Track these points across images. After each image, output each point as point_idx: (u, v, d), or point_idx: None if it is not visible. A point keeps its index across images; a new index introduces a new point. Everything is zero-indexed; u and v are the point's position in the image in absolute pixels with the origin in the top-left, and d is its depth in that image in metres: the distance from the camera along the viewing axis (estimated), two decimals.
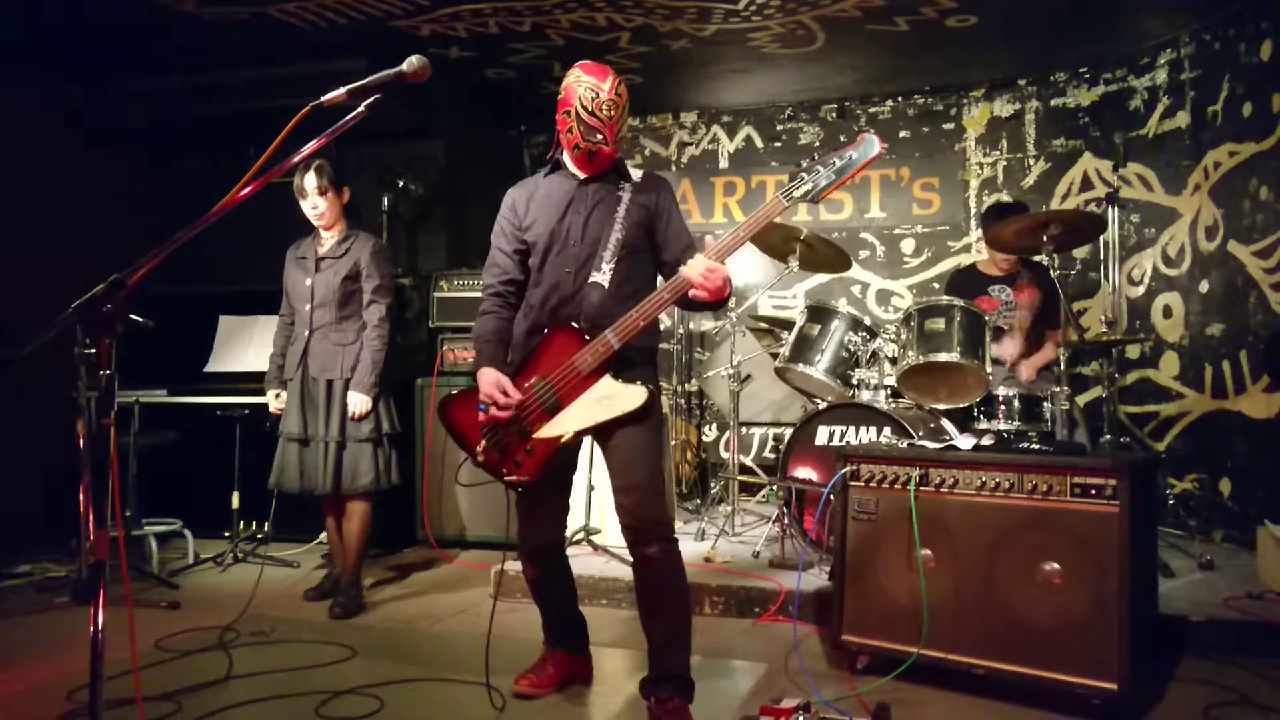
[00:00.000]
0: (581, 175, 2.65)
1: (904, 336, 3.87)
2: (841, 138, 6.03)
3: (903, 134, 5.92)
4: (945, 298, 3.94)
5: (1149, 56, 5.02)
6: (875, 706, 2.51)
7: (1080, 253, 5.39)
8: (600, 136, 2.52)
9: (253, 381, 4.57)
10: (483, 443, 2.56)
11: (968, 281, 4.56)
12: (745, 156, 6.24)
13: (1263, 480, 4.24)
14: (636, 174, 2.70)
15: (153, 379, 4.81)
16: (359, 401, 3.73)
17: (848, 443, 3.86)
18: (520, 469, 2.53)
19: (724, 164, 6.28)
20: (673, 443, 5.08)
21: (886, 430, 3.75)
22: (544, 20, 4.68)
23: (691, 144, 6.36)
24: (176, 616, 3.69)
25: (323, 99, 1.82)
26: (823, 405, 4.09)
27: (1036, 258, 4.24)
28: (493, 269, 2.72)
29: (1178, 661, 3.04)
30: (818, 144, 6.08)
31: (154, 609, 3.79)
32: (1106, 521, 2.55)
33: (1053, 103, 5.53)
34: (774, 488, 4.83)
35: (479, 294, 2.79)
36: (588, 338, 2.49)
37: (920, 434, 3.56)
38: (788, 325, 4.48)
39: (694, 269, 2.37)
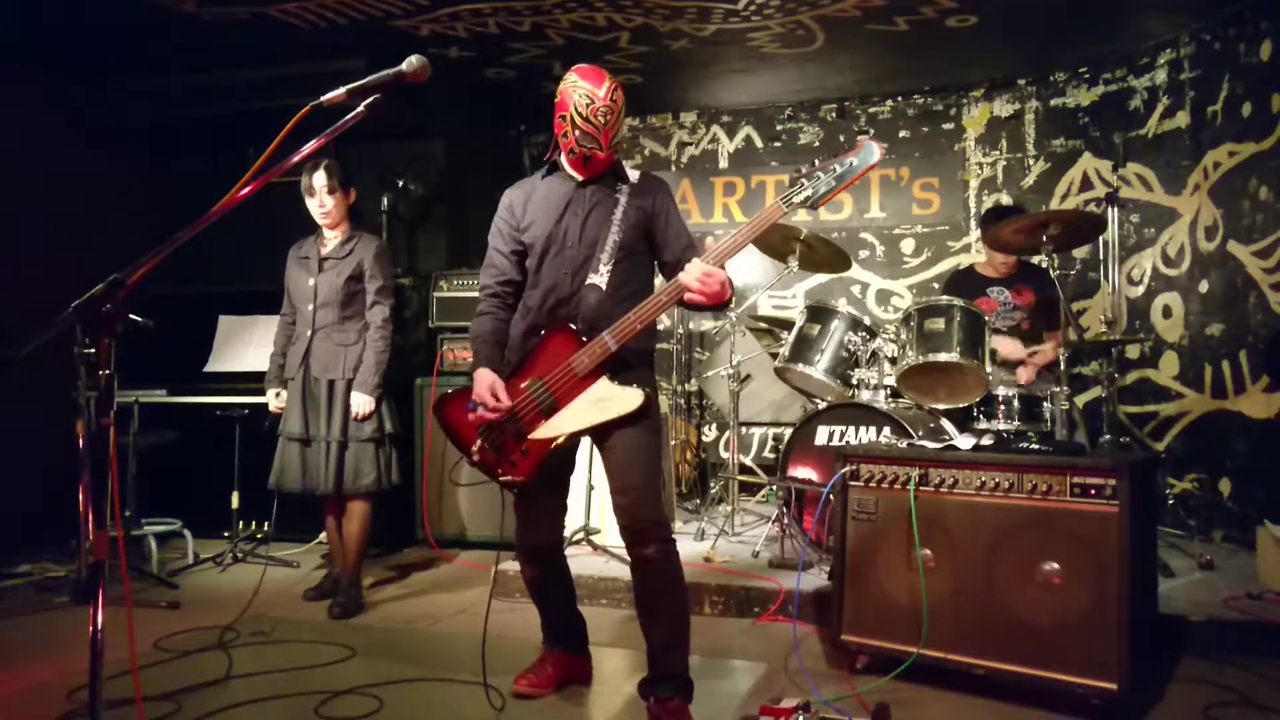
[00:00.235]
0: (579, 177, 2.65)
1: (904, 336, 3.87)
2: (841, 138, 6.04)
3: (902, 134, 5.92)
4: (945, 297, 3.93)
5: (1149, 56, 5.02)
6: (875, 706, 2.51)
7: (1080, 253, 5.39)
8: (595, 142, 2.52)
9: (252, 381, 4.57)
10: (478, 442, 2.56)
11: (966, 283, 4.55)
12: (745, 156, 6.24)
13: (1262, 480, 4.24)
14: (634, 175, 2.70)
15: (152, 379, 4.81)
16: (362, 402, 3.73)
17: (847, 443, 3.86)
18: (515, 469, 2.53)
19: (724, 164, 6.28)
20: (672, 443, 5.08)
21: (886, 430, 3.75)
22: (544, 20, 4.68)
23: (691, 144, 6.36)
24: (176, 616, 3.69)
25: (322, 99, 1.82)
26: (822, 405, 4.09)
27: (1036, 258, 4.24)
28: (490, 269, 2.72)
29: (1177, 661, 3.04)
30: (817, 144, 6.08)
31: (153, 609, 3.79)
32: (1106, 521, 2.55)
33: (1052, 103, 5.53)
34: (774, 488, 4.83)
35: (478, 294, 2.79)
36: (585, 339, 2.49)
37: (920, 434, 3.56)
38: (787, 325, 4.48)
39: (690, 274, 2.38)
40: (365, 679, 2.89)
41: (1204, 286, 4.67)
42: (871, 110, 6.00)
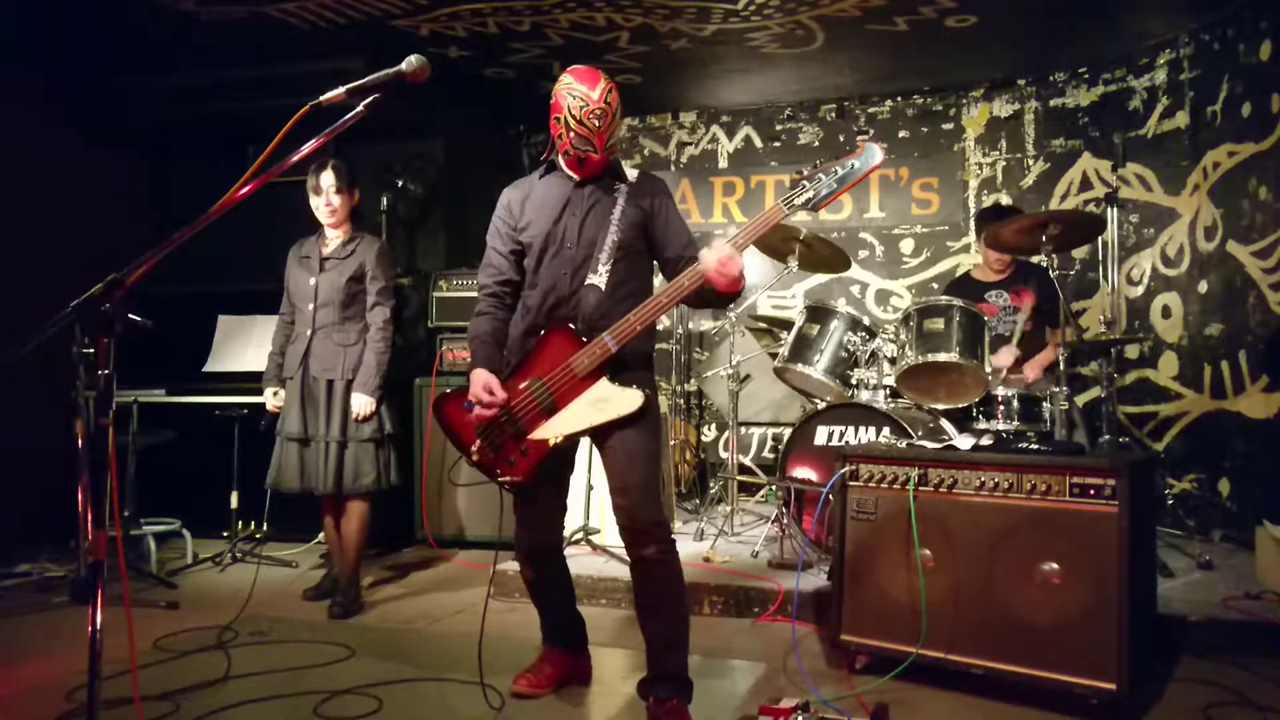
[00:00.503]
0: (576, 177, 2.65)
1: (903, 336, 3.87)
2: (840, 138, 6.04)
3: (902, 134, 5.92)
4: (945, 297, 3.93)
5: (1148, 56, 5.03)
6: (874, 706, 2.51)
7: (1079, 253, 5.39)
8: (590, 145, 2.52)
9: (252, 381, 4.55)
10: (477, 442, 2.56)
11: (963, 290, 4.50)
12: (744, 156, 6.24)
13: (1261, 480, 4.24)
14: (633, 174, 2.69)
15: (151, 378, 4.80)
16: (363, 403, 3.73)
17: (847, 443, 3.86)
18: (514, 469, 2.53)
19: (723, 164, 6.28)
20: (672, 443, 5.08)
21: (885, 430, 3.75)
22: (543, 20, 4.68)
23: (691, 144, 6.36)
24: (175, 616, 3.69)
25: (322, 98, 1.82)
26: (822, 405, 4.09)
27: (1035, 258, 4.24)
28: (488, 269, 2.72)
29: (1176, 661, 3.04)
30: (817, 144, 6.08)
31: (152, 609, 3.78)
32: (1105, 521, 2.55)
33: (1052, 103, 5.53)
34: (773, 488, 4.83)
35: (476, 294, 2.78)
36: (585, 340, 2.49)
37: (919, 434, 3.56)
38: (787, 325, 4.48)
39: (710, 258, 2.35)
40: (364, 679, 2.88)
41: (1203, 287, 4.67)
42: (871, 110, 6.00)
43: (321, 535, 4.16)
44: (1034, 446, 2.87)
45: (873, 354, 4.08)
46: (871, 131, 5.93)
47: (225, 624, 3.43)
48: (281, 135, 1.74)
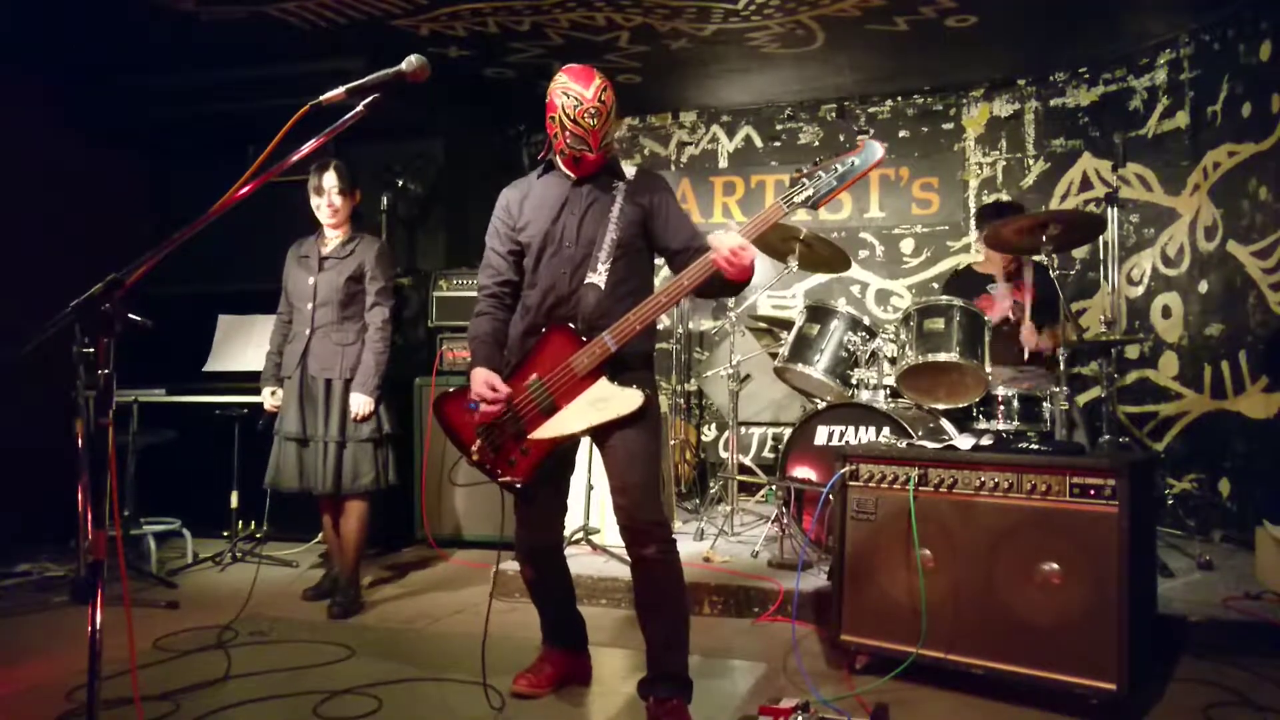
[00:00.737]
0: (574, 176, 2.64)
1: (903, 336, 3.87)
2: (841, 138, 6.04)
3: (902, 134, 5.92)
4: (945, 297, 3.93)
5: (1148, 57, 5.02)
6: (874, 706, 2.51)
7: (1080, 253, 5.38)
8: (585, 144, 2.52)
9: (252, 381, 4.54)
10: (478, 442, 2.56)
11: (965, 283, 4.54)
12: (744, 156, 6.24)
13: (1261, 480, 4.24)
14: (631, 171, 2.69)
15: (151, 378, 4.80)
16: (362, 403, 3.73)
17: (847, 442, 3.86)
18: (514, 469, 2.53)
19: (723, 164, 6.28)
20: (672, 443, 5.08)
21: (886, 430, 3.75)
22: (543, 20, 4.68)
23: (691, 143, 6.36)
24: (175, 616, 3.69)
25: (321, 98, 1.82)
26: (822, 405, 4.09)
27: (1036, 257, 4.23)
28: (487, 269, 2.72)
29: (1176, 661, 3.04)
30: (817, 144, 6.08)
31: (152, 608, 3.78)
32: (1105, 521, 2.55)
33: (1052, 103, 5.53)
34: (773, 487, 4.83)
35: (476, 294, 2.78)
36: (584, 339, 2.49)
37: (919, 434, 3.56)
38: (787, 325, 4.48)
39: (722, 246, 2.33)
40: (364, 679, 2.88)
41: (1203, 287, 4.67)
42: (871, 110, 6.00)
43: (321, 535, 4.16)
44: (1034, 446, 2.87)
45: (873, 354, 4.08)
46: (872, 131, 5.93)
47: (225, 624, 3.43)
48: (281, 135, 1.74)
